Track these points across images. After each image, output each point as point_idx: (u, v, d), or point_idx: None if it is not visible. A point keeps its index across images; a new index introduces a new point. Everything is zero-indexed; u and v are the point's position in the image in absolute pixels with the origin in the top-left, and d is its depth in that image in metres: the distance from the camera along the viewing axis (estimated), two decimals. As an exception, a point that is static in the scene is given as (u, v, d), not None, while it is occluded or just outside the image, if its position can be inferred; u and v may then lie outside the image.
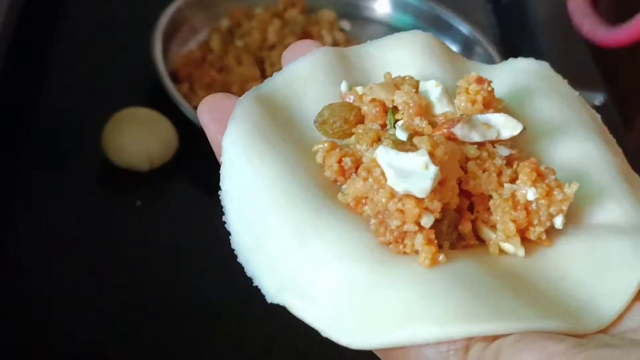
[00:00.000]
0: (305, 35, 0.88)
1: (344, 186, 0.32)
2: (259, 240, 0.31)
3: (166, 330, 0.65)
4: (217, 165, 0.83)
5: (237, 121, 0.34)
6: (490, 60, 0.90)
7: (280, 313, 0.76)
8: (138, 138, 0.73)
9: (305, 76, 0.37)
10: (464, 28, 0.93)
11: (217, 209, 0.81)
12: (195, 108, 0.77)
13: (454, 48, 0.94)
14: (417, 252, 0.30)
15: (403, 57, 0.38)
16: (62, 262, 0.67)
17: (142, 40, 0.81)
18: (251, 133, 0.33)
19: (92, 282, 0.67)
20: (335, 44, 0.90)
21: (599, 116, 0.39)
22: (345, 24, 0.95)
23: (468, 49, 0.93)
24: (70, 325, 0.64)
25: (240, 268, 0.74)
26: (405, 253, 0.30)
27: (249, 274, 0.31)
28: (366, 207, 0.31)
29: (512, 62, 0.40)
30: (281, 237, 0.31)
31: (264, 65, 0.84)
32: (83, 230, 0.70)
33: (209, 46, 0.86)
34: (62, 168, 0.75)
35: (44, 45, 0.85)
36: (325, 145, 0.33)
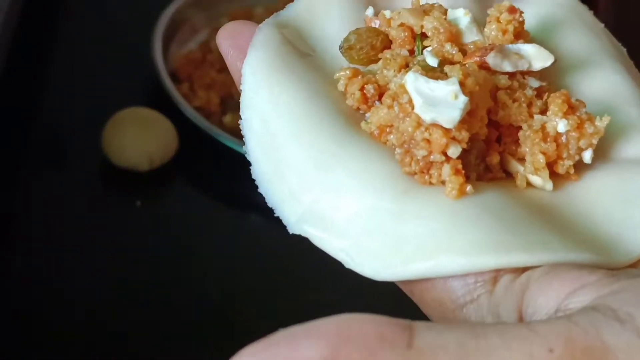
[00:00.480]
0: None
1: (367, 114, 0.31)
2: (279, 169, 0.30)
3: (166, 330, 0.65)
4: (215, 166, 0.83)
5: (257, 48, 0.33)
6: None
7: (282, 310, 0.77)
8: (138, 138, 0.73)
9: (328, 1, 0.36)
10: (464, 28, 0.93)
11: (216, 209, 0.81)
12: (196, 108, 0.78)
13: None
14: (443, 182, 0.29)
15: None
16: (61, 262, 0.67)
17: (142, 40, 0.81)
18: (272, 60, 0.32)
19: (92, 281, 0.67)
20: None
21: (624, 49, 0.38)
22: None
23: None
24: (69, 324, 0.64)
25: (240, 268, 0.75)
26: (431, 184, 0.30)
27: (269, 204, 0.31)
28: (391, 136, 0.30)
29: None
30: (302, 166, 0.30)
31: (264, 65, 0.83)
32: (83, 230, 0.70)
33: (209, 46, 0.86)
34: (62, 168, 0.75)
35: (44, 45, 0.85)
36: (347, 72, 0.32)
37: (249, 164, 0.31)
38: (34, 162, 0.75)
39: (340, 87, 0.32)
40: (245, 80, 0.32)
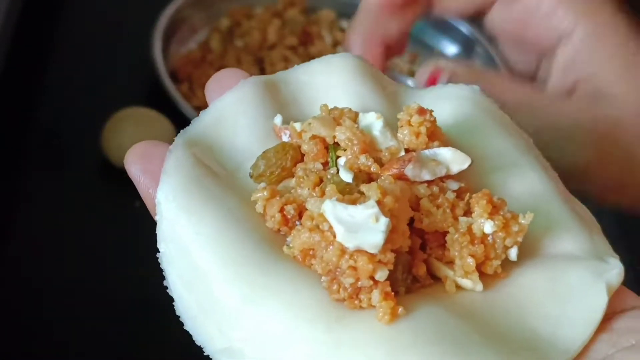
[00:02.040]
0: (305, 35, 0.88)
1: (288, 238, 0.31)
2: (205, 305, 0.29)
3: (166, 329, 0.65)
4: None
5: (169, 174, 0.31)
6: (490, 60, 0.90)
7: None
8: (138, 138, 0.72)
9: (235, 113, 0.35)
10: (464, 28, 0.93)
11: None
12: (196, 108, 0.78)
13: (454, 48, 0.94)
14: (374, 305, 0.29)
15: (334, 81, 0.36)
16: (61, 261, 0.67)
17: (142, 40, 0.81)
18: (186, 187, 0.31)
19: (92, 281, 0.67)
20: (335, 44, 0.90)
21: (531, 140, 0.38)
22: (345, 24, 0.95)
23: (468, 49, 0.93)
24: (70, 324, 0.64)
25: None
26: (361, 307, 0.29)
27: (197, 343, 0.29)
28: (314, 260, 0.30)
29: (441, 87, 0.39)
30: (229, 301, 0.29)
31: (264, 65, 0.84)
32: (82, 230, 0.70)
33: (208, 46, 0.86)
34: (62, 168, 0.75)
35: (44, 45, 0.85)
36: (265, 193, 0.31)
37: (172, 299, 0.30)
38: (34, 162, 0.75)
39: (259, 209, 0.31)
40: (159, 210, 0.31)
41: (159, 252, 0.30)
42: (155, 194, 0.31)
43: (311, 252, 0.30)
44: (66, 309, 0.65)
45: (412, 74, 0.90)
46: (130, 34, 0.85)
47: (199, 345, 0.29)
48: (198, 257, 0.30)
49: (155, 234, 0.76)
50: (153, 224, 0.77)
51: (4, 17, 0.77)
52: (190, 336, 0.65)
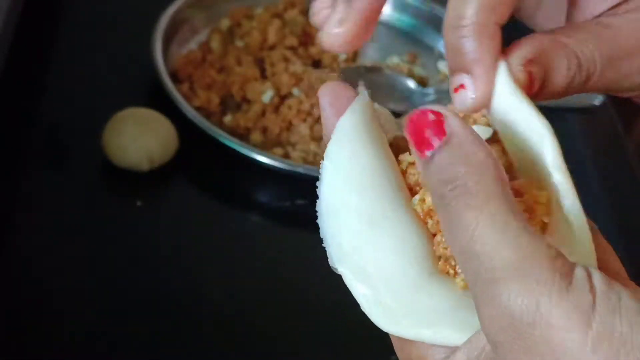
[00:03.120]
0: (305, 35, 0.88)
1: (417, 196, 0.36)
2: (338, 210, 0.35)
3: (166, 330, 0.65)
4: (215, 166, 0.82)
5: (355, 112, 0.38)
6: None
7: (282, 309, 0.76)
8: (138, 138, 0.73)
9: None
10: (464, 28, 0.93)
11: (216, 209, 0.80)
12: (195, 108, 0.78)
13: (454, 48, 0.94)
14: (456, 275, 0.34)
15: None
16: (62, 262, 0.67)
17: (142, 40, 0.81)
18: (362, 128, 0.37)
19: (92, 281, 0.67)
20: (335, 44, 0.90)
21: None
22: (345, 24, 0.94)
23: (468, 49, 0.93)
24: (70, 324, 0.64)
25: (240, 268, 0.74)
26: (448, 274, 0.34)
27: (321, 235, 0.35)
28: (430, 220, 0.35)
29: None
30: (355, 215, 0.35)
31: (264, 65, 0.84)
32: (83, 230, 0.70)
33: (209, 46, 0.86)
34: (62, 168, 0.75)
35: (44, 45, 0.85)
36: (409, 155, 0.37)
37: (316, 197, 0.35)
38: (34, 162, 0.75)
39: (403, 166, 0.37)
40: (335, 134, 0.37)
41: (322, 161, 0.36)
42: (334, 124, 0.37)
43: (431, 214, 0.35)
44: (66, 308, 0.65)
45: (412, 74, 0.90)
46: (130, 34, 0.85)
47: (321, 237, 0.35)
48: (348, 179, 0.36)
49: (153, 235, 0.76)
50: (153, 224, 0.77)
51: (5, 17, 0.77)
52: (194, 334, 0.65)
